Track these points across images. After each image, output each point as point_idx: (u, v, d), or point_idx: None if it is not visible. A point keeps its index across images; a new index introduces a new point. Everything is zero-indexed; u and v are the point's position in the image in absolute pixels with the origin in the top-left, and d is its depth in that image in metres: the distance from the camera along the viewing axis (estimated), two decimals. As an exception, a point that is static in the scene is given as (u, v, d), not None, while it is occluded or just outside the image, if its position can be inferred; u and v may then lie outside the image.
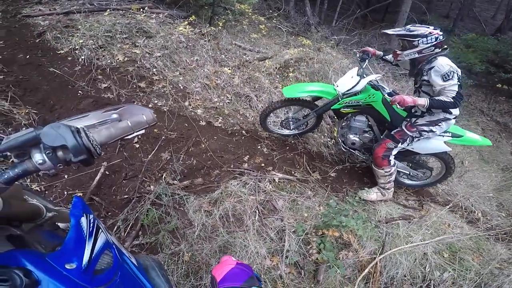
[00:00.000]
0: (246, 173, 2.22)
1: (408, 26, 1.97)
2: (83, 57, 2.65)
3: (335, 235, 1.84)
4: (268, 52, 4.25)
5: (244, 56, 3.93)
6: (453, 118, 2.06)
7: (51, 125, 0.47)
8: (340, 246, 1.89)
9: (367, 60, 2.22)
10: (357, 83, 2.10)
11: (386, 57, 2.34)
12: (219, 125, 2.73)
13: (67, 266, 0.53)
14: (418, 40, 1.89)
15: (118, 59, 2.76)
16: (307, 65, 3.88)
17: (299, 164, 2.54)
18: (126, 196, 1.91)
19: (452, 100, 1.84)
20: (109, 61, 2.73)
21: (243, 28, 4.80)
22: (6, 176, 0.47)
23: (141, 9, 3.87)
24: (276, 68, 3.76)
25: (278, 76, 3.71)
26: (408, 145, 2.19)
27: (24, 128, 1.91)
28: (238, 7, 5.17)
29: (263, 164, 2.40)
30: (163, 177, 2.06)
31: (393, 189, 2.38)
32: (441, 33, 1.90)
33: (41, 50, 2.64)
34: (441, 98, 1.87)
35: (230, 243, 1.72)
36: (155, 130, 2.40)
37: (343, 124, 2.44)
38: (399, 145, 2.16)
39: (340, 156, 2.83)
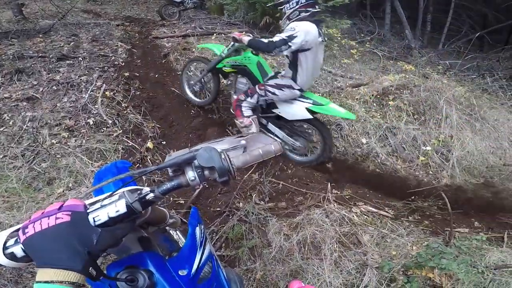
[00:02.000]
0: (332, 203, 2.16)
1: None
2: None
3: (428, 276, 1.66)
4: (362, 78, 3.99)
5: (335, 83, 3.77)
6: (298, 89, 2.18)
7: (204, 149, 0.53)
8: (428, 288, 1.67)
9: None
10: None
11: None
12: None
13: (180, 272, 0.57)
14: (285, 6, 2.02)
15: (223, 82, 3.02)
16: (410, 93, 3.44)
17: (394, 199, 2.30)
18: (218, 209, 2.04)
19: (267, 41, 1.93)
20: (217, 83, 3.01)
21: (333, 53, 4.66)
22: (164, 188, 0.53)
23: (241, 34, 4.24)
24: (372, 95, 3.46)
25: (375, 104, 3.40)
26: (257, 101, 2.31)
27: (149, 140, 2.24)
28: (325, 31, 5.12)
29: (351, 196, 2.27)
30: (253, 196, 2.14)
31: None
32: None
33: (165, 70, 3.15)
34: (263, 39, 1.99)
35: (303, 269, 1.70)
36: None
37: (229, 84, 2.63)
38: (248, 99, 2.30)
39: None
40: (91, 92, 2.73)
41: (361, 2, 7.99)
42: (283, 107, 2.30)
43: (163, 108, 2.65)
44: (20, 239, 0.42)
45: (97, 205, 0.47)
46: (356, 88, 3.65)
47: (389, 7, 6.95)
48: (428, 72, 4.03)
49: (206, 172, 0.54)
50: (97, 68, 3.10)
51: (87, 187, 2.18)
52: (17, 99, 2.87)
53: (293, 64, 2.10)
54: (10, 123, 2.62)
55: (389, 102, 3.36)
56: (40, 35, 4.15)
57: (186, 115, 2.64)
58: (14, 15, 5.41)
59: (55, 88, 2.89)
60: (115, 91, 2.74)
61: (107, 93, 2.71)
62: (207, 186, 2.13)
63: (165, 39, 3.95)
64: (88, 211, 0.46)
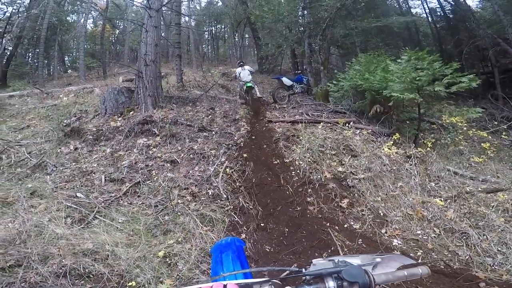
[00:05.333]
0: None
1: None
2: (299, 171, 3.20)
3: None
4: (500, 182, 3.26)
5: (463, 186, 3.17)
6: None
7: (350, 267, 0.59)
8: None
9: None
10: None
11: None
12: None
13: None
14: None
15: (325, 176, 3.09)
16: None
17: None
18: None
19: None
20: (319, 176, 3.12)
21: (458, 149, 4.03)
22: None
23: (347, 124, 4.32)
24: (516, 204, 2.72)
25: (518, 212, 2.64)
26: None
27: (252, 222, 2.39)
28: (446, 120, 4.46)
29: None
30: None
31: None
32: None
33: (275, 156, 3.53)
34: None
35: None
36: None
37: None
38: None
39: None
40: (216, 166, 3.36)
41: (487, 80, 6.87)
42: None
43: (268, 194, 2.90)
44: None
45: None
46: (492, 194, 2.95)
47: (526, 84, 5.60)
48: None
49: (345, 284, 0.58)
50: (224, 144, 3.83)
51: (192, 245, 2.48)
52: (164, 159, 3.82)
53: None
54: (155, 178, 3.44)
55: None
56: (190, 104, 5.48)
57: (285, 205, 2.77)
58: (177, 81, 7.54)
59: (192, 157, 3.73)
60: (233, 170, 3.26)
61: (227, 169, 3.26)
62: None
63: (277, 123, 4.53)
64: None
